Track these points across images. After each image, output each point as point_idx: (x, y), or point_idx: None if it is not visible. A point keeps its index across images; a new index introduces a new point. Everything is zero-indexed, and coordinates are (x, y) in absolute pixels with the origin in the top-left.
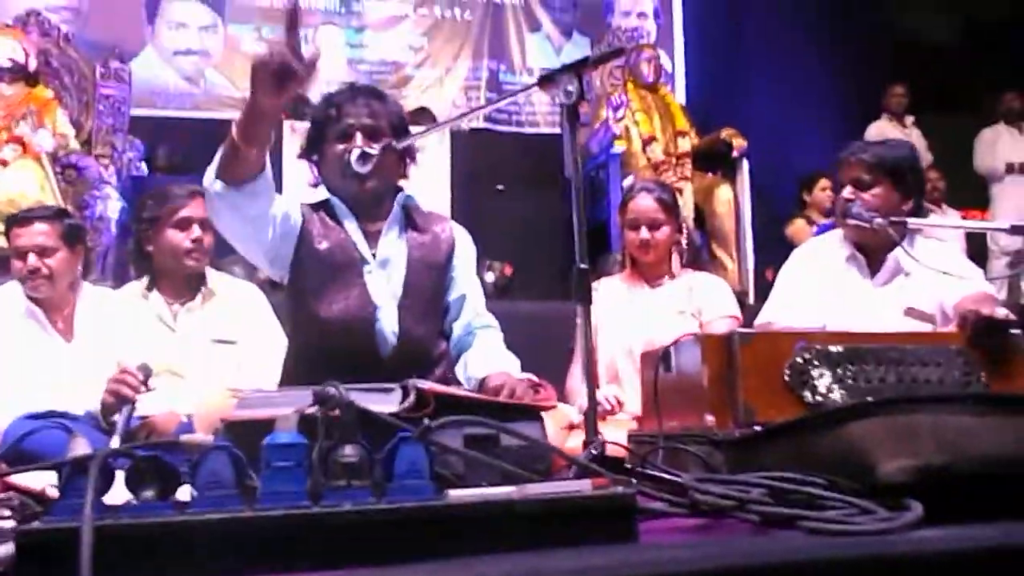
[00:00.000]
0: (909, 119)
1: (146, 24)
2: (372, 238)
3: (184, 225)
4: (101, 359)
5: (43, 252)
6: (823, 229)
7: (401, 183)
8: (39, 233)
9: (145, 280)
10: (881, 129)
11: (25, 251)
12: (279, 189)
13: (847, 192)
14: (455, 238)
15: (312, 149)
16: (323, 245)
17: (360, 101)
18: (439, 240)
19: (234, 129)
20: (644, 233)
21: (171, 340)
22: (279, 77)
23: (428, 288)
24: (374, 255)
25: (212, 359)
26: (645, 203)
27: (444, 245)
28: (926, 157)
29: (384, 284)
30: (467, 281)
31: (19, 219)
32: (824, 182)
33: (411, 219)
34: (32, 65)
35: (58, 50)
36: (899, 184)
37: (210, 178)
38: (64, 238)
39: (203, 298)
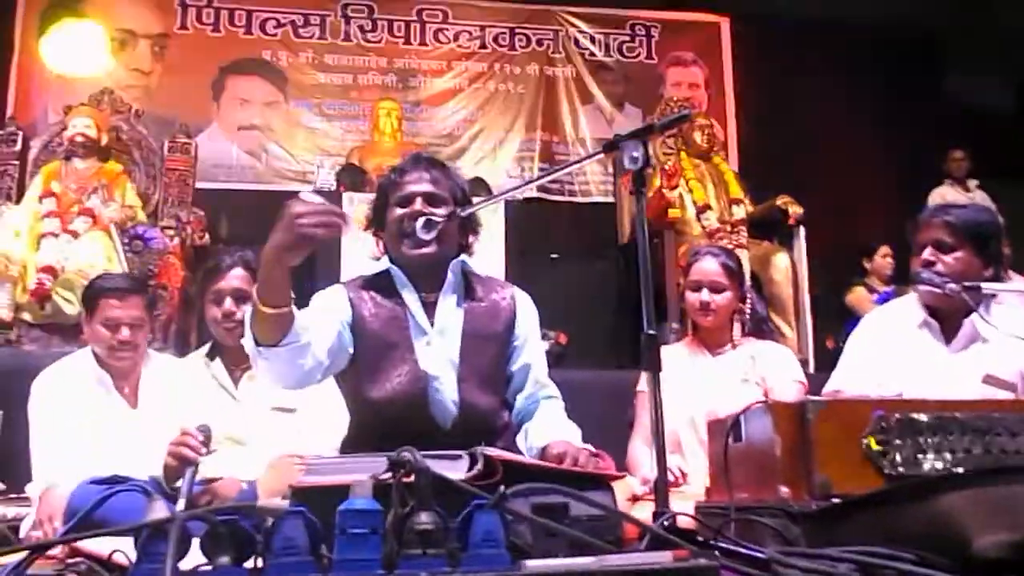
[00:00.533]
0: (973, 183)
1: (212, 100)
2: (430, 309)
3: (218, 298)
4: (165, 425)
5: (134, 326)
6: (884, 297)
7: (464, 257)
8: (134, 306)
9: (206, 348)
10: (943, 195)
11: (119, 324)
12: (338, 262)
13: (927, 254)
14: (516, 306)
15: (376, 218)
16: (375, 325)
17: (422, 168)
18: (498, 308)
19: (255, 296)
20: (705, 295)
21: (233, 408)
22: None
23: (486, 358)
24: (432, 324)
25: (272, 427)
26: (709, 266)
27: (504, 313)
28: (998, 217)
29: (442, 353)
30: (531, 350)
31: (114, 290)
32: (885, 249)
33: (470, 287)
34: (104, 140)
35: (128, 126)
36: (981, 250)
37: (249, 344)
38: (147, 309)
39: None
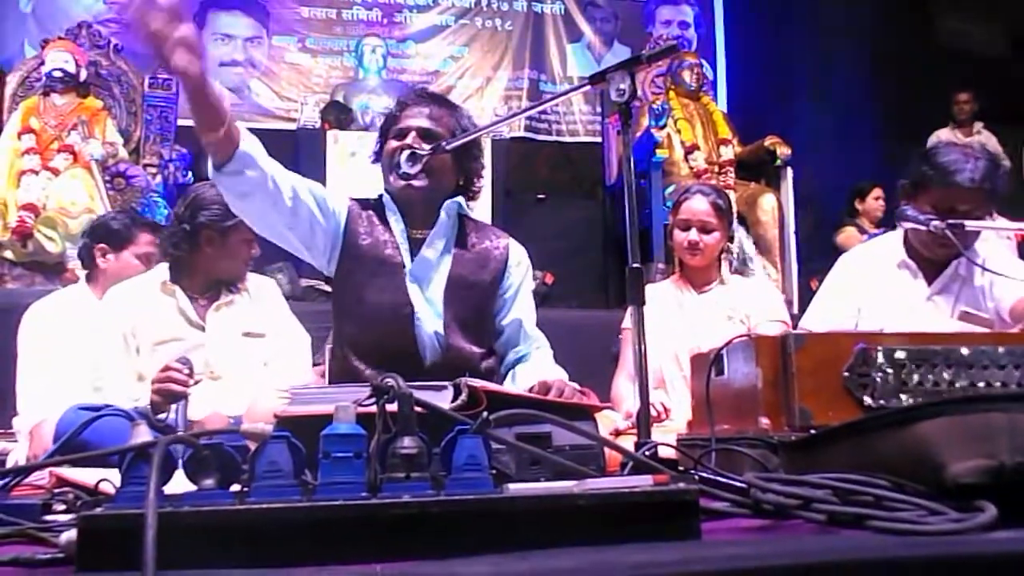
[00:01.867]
0: (978, 125)
1: None
2: (416, 244)
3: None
4: (130, 350)
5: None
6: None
7: (462, 200)
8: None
9: (164, 271)
10: (943, 138)
11: (151, 257)
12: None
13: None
14: (509, 256)
15: (378, 150)
16: (365, 242)
17: (423, 103)
18: (489, 257)
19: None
20: (694, 235)
21: (202, 340)
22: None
23: (470, 305)
24: (412, 260)
25: (243, 355)
26: (699, 205)
27: (494, 263)
28: (1005, 163)
29: (418, 292)
30: (521, 303)
31: (150, 225)
32: (877, 191)
33: (463, 232)
34: (83, 75)
35: (108, 61)
36: (992, 202)
37: (210, 168)
38: None
39: (233, 295)
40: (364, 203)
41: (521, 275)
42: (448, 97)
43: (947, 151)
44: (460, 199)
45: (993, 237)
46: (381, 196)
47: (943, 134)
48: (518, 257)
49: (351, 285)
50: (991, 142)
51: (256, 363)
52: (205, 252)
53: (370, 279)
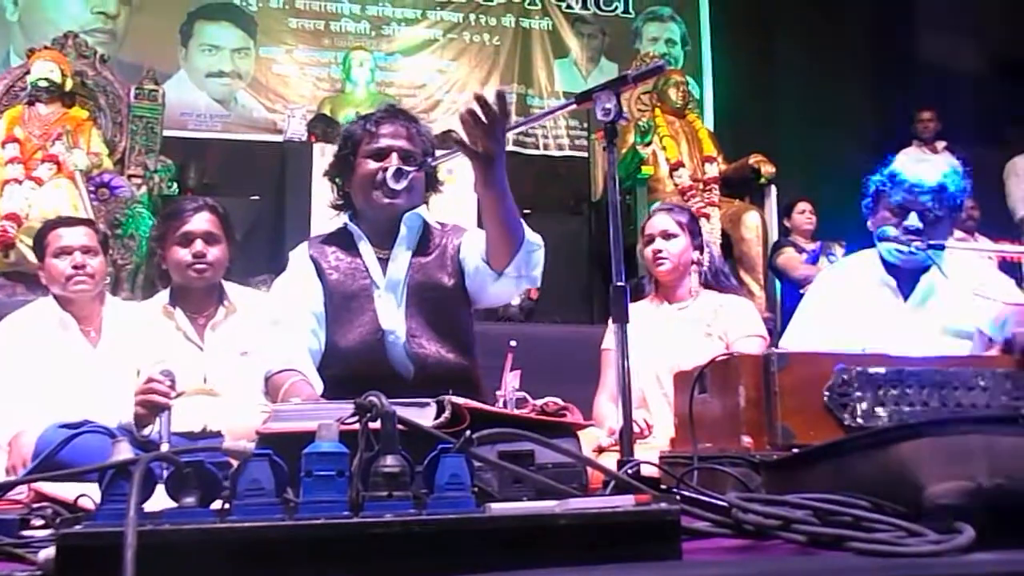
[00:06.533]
0: (940, 144)
1: (180, 47)
2: (384, 264)
3: (186, 240)
4: (126, 368)
5: (87, 251)
6: (814, 256)
7: (422, 210)
8: (83, 234)
9: (166, 296)
10: (910, 156)
11: (71, 249)
12: (308, 211)
13: (914, 219)
14: (463, 242)
15: (341, 167)
16: (334, 276)
17: (399, 123)
18: (445, 255)
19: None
20: (657, 244)
21: (200, 358)
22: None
23: (433, 310)
24: (384, 278)
25: (240, 372)
26: (658, 219)
27: (449, 258)
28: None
29: (394, 307)
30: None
31: (59, 222)
32: (802, 205)
33: (424, 239)
34: (68, 86)
35: (94, 71)
36: (954, 216)
37: None
38: (100, 244)
39: (226, 312)
40: (324, 238)
41: (473, 245)
42: (434, 111)
43: (899, 160)
44: (421, 209)
45: (967, 254)
46: (346, 225)
47: (910, 152)
48: (472, 236)
49: (329, 321)
50: (952, 161)
51: (254, 381)
52: (165, 270)
53: (344, 313)
